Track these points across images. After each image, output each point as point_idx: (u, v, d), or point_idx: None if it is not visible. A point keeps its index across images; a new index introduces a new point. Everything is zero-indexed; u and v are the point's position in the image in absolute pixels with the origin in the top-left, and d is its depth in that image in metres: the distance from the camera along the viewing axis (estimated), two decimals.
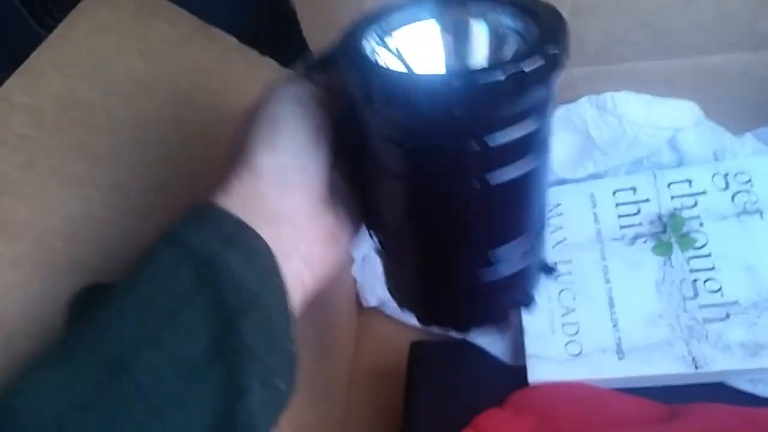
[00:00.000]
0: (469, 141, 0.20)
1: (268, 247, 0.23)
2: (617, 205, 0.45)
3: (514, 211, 0.24)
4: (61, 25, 0.45)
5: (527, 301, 0.28)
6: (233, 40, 0.45)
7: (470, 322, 0.29)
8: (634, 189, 0.45)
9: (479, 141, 0.20)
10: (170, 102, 0.38)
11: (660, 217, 0.43)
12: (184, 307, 0.21)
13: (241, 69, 0.45)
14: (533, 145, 0.22)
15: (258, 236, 0.23)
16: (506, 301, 0.28)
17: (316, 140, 0.25)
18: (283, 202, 0.24)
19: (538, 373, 0.40)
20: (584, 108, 0.44)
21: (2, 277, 0.27)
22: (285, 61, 0.45)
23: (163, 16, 0.41)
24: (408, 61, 0.24)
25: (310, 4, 0.42)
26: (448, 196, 0.23)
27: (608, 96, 0.43)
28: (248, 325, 0.21)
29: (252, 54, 0.46)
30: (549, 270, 0.29)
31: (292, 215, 0.25)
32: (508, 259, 0.25)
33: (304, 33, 0.43)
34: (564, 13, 0.36)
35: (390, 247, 0.28)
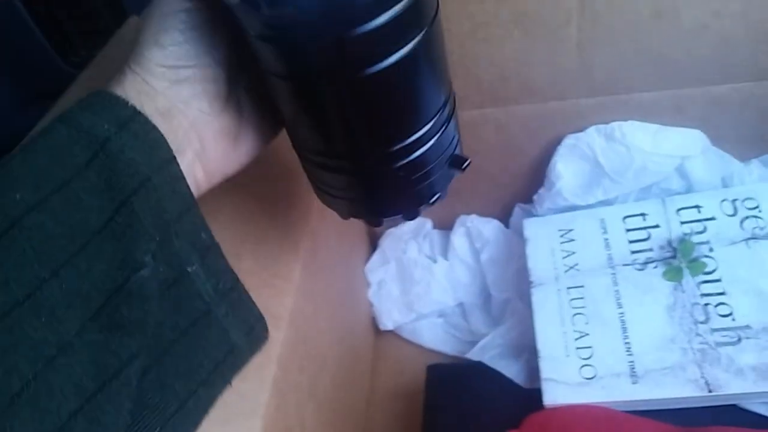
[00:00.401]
0: (332, 32, 0.20)
1: (161, 135, 0.24)
2: (627, 230, 0.46)
3: (402, 102, 0.24)
4: (90, 65, 0.48)
5: (434, 194, 0.28)
6: None
7: (381, 213, 0.30)
8: (643, 215, 0.46)
9: (343, 32, 0.20)
10: None
11: (670, 243, 0.44)
12: (75, 179, 0.22)
13: None
14: (403, 32, 0.21)
15: (151, 123, 0.24)
16: (415, 194, 0.28)
17: (206, 35, 0.25)
18: (175, 96, 0.25)
19: (553, 395, 0.40)
20: (592, 137, 0.45)
21: None
22: None
23: None
24: None
25: None
26: (327, 93, 0.23)
27: (616, 125, 0.45)
28: (141, 204, 0.22)
29: None
30: (459, 162, 0.28)
31: (185, 108, 0.25)
32: (408, 153, 0.25)
33: None
34: (571, 46, 0.38)
35: (297, 148, 0.29)
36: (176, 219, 0.24)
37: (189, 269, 0.25)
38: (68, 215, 0.21)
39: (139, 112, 0.24)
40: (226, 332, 0.27)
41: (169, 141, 0.24)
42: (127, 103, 0.24)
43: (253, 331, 0.30)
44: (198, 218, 0.26)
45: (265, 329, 0.30)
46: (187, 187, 0.25)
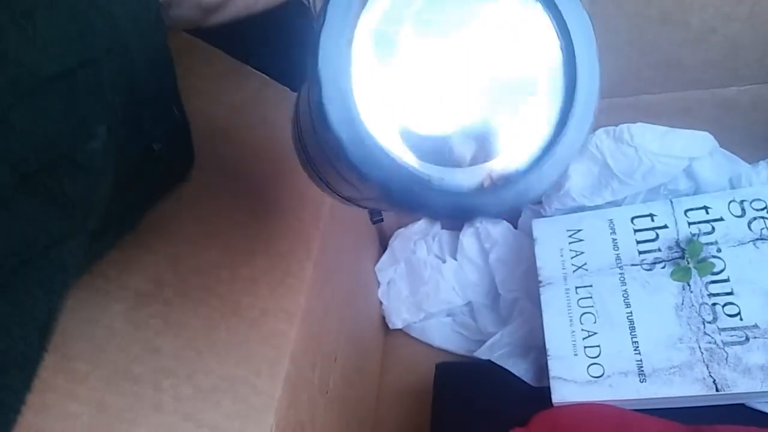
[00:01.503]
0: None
1: None
2: (636, 231, 0.46)
3: None
4: None
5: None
6: (264, 77, 0.48)
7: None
8: (652, 216, 0.46)
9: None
10: (208, 137, 0.41)
11: (678, 243, 0.44)
12: (40, 7, 0.18)
13: (274, 105, 0.47)
14: None
15: None
16: None
17: None
18: None
19: (561, 394, 0.41)
20: (601, 139, 0.46)
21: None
22: None
23: (200, 56, 0.44)
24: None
25: None
26: None
27: (624, 127, 0.45)
28: (110, 70, 0.20)
29: (283, 90, 0.48)
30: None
31: None
32: None
33: None
34: None
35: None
36: (149, 96, 0.22)
37: (155, 146, 0.23)
38: (22, 52, 0.17)
39: None
40: (168, 190, 0.26)
41: None
42: None
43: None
44: (174, 92, 0.23)
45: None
46: (169, 57, 0.23)
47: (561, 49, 0.20)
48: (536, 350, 0.45)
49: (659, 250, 0.45)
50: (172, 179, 0.26)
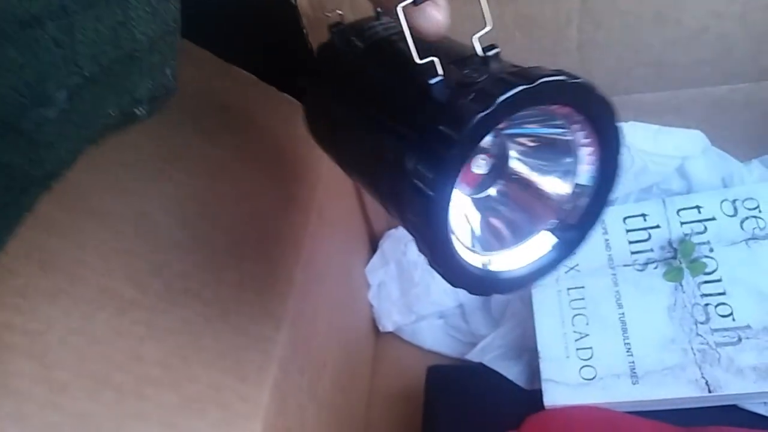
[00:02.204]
0: None
1: None
2: (628, 231, 0.46)
3: None
4: None
5: None
6: (253, 78, 0.47)
7: None
8: (644, 216, 0.46)
9: None
10: (197, 139, 0.40)
11: (670, 243, 0.44)
12: None
13: (261, 106, 0.47)
14: None
15: None
16: None
17: None
18: None
19: (553, 396, 0.40)
20: None
21: (43, 311, 0.29)
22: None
23: (188, 57, 0.43)
24: None
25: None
26: None
27: None
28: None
29: (271, 91, 0.48)
30: None
31: None
32: None
33: None
34: (572, 47, 0.38)
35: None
36: (143, 50, 0.19)
37: (136, 111, 0.21)
38: None
39: None
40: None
41: None
42: None
43: None
44: (171, 48, 0.20)
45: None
46: (176, 2, 0.20)
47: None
48: (528, 352, 0.45)
49: (651, 250, 0.44)
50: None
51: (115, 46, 0.18)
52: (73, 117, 0.18)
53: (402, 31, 0.22)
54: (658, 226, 0.45)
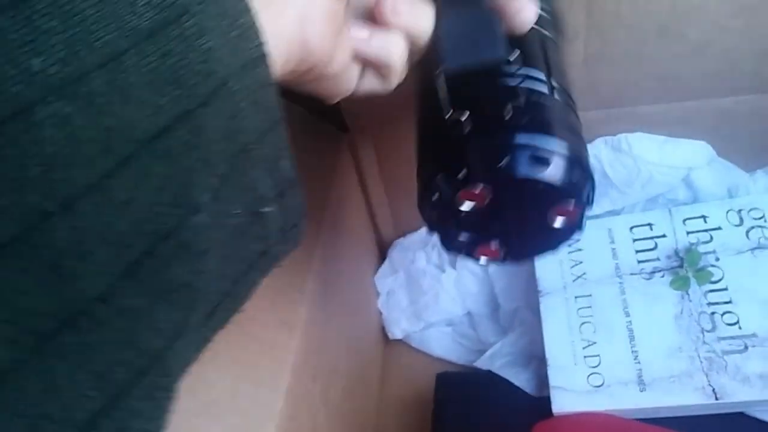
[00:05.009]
0: None
1: (251, 12, 0.17)
2: (635, 240, 0.46)
3: None
4: None
5: None
6: None
7: None
8: (650, 225, 0.47)
9: None
10: None
11: (677, 252, 0.45)
12: (131, 51, 0.14)
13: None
14: None
15: None
16: None
17: None
18: None
19: (561, 403, 0.41)
20: (599, 149, 0.46)
21: None
22: (316, 109, 0.48)
23: None
24: None
25: None
26: None
27: (623, 137, 0.45)
28: (210, 118, 0.16)
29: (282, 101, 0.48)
30: None
31: None
32: None
33: None
34: (578, 61, 0.39)
35: None
36: (255, 142, 0.18)
37: (263, 210, 0.19)
38: (109, 107, 0.14)
39: None
40: (270, 268, 0.22)
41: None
42: None
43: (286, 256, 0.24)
44: (282, 139, 0.19)
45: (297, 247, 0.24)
46: (276, 95, 0.19)
47: None
48: (537, 360, 0.45)
49: (658, 259, 0.45)
50: (281, 247, 0.23)
51: (230, 141, 0.17)
52: (217, 220, 0.17)
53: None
54: (664, 236, 0.46)
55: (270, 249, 0.21)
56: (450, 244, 0.30)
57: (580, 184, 0.27)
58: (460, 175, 0.25)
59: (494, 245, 0.29)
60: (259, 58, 0.18)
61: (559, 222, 0.28)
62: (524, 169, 0.25)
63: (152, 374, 0.16)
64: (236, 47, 0.17)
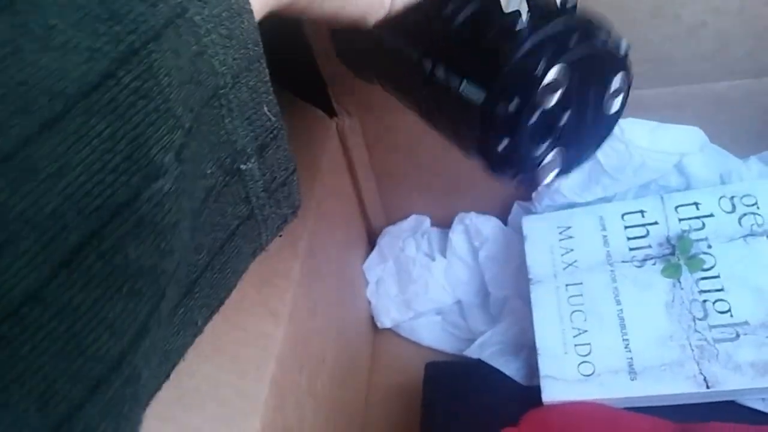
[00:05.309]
0: None
1: None
2: (626, 227, 0.46)
3: None
4: None
5: None
6: None
7: None
8: (642, 212, 0.46)
9: None
10: None
11: (668, 240, 0.44)
12: None
13: None
14: None
15: None
16: None
17: None
18: None
19: (552, 393, 0.40)
20: None
21: None
22: (304, 94, 0.47)
23: None
24: None
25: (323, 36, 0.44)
26: None
27: None
28: (164, 55, 0.13)
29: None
30: None
31: None
32: None
33: (321, 67, 0.45)
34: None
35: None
36: (229, 85, 0.16)
37: (243, 167, 0.17)
38: (19, 56, 0.11)
39: None
40: (259, 235, 0.20)
41: None
42: None
43: (284, 224, 0.22)
44: (262, 79, 0.17)
45: (296, 214, 0.22)
46: (254, 24, 0.16)
47: None
48: (527, 349, 0.45)
49: (650, 246, 0.44)
50: (271, 220, 0.20)
51: (198, 85, 0.14)
52: (184, 185, 0.14)
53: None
54: (656, 223, 0.45)
55: (254, 213, 0.18)
56: (523, 166, 0.28)
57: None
58: (539, 69, 0.24)
59: (555, 157, 0.29)
60: None
61: (614, 105, 0.29)
62: (592, 42, 0.25)
63: (110, 386, 0.13)
64: None
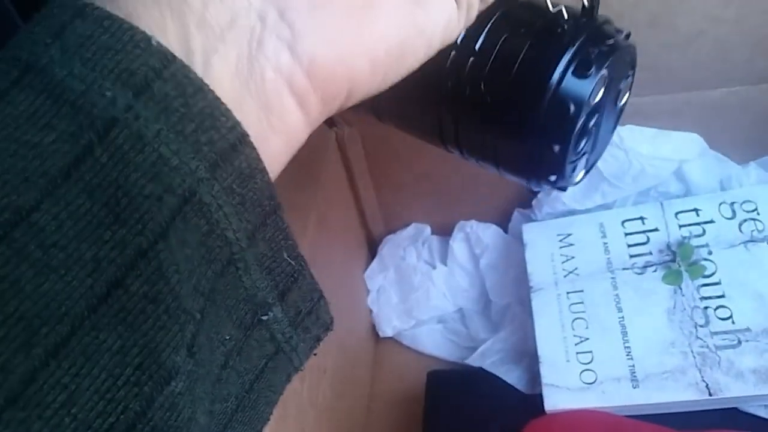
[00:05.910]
0: None
1: (219, 101, 0.13)
2: (626, 234, 0.46)
3: None
4: None
5: None
6: None
7: None
8: (642, 219, 0.46)
9: None
10: None
11: (669, 246, 0.44)
12: (55, 192, 0.11)
13: None
14: None
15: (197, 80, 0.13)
16: None
17: None
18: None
19: (554, 401, 0.40)
20: None
21: None
22: None
23: None
24: None
25: None
26: None
27: None
28: (172, 250, 0.13)
29: None
30: None
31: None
32: None
33: None
34: None
35: None
36: (245, 247, 0.15)
37: (264, 317, 0.16)
38: (17, 287, 0.11)
39: (176, 59, 0.13)
40: (290, 362, 0.19)
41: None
42: (149, 39, 0.13)
43: (318, 342, 0.21)
44: (281, 227, 0.16)
45: (330, 329, 0.21)
46: (267, 176, 0.15)
47: None
48: (529, 357, 0.45)
49: (650, 253, 0.44)
50: (302, 347, 0.19)
51: (210, 263, 0.13)
52: (199, 372, 0.13)
53: None
54: (656, 230, 0.45)
55: (281, 348, 0.17)
56: (563, 171, 0.27)
57: None
58: (591, 71, 0.24)
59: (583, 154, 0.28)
60: (234, 144, 0.13)
61: (625, 96, 0.29)
62: (617, 39, 0.25)
63: None
64: (197, 142, 0.13)
